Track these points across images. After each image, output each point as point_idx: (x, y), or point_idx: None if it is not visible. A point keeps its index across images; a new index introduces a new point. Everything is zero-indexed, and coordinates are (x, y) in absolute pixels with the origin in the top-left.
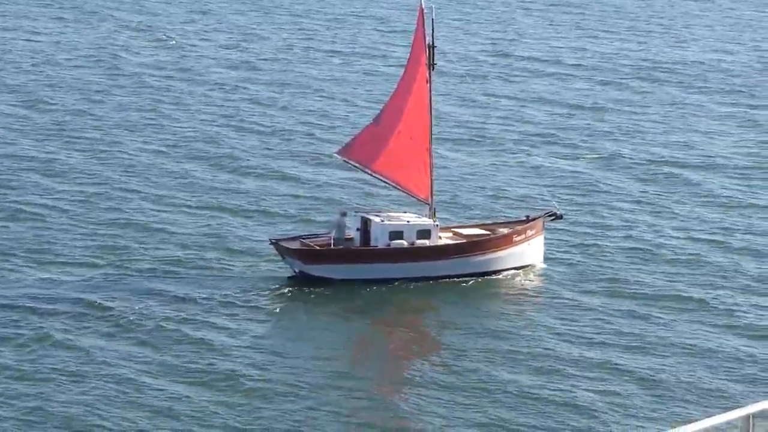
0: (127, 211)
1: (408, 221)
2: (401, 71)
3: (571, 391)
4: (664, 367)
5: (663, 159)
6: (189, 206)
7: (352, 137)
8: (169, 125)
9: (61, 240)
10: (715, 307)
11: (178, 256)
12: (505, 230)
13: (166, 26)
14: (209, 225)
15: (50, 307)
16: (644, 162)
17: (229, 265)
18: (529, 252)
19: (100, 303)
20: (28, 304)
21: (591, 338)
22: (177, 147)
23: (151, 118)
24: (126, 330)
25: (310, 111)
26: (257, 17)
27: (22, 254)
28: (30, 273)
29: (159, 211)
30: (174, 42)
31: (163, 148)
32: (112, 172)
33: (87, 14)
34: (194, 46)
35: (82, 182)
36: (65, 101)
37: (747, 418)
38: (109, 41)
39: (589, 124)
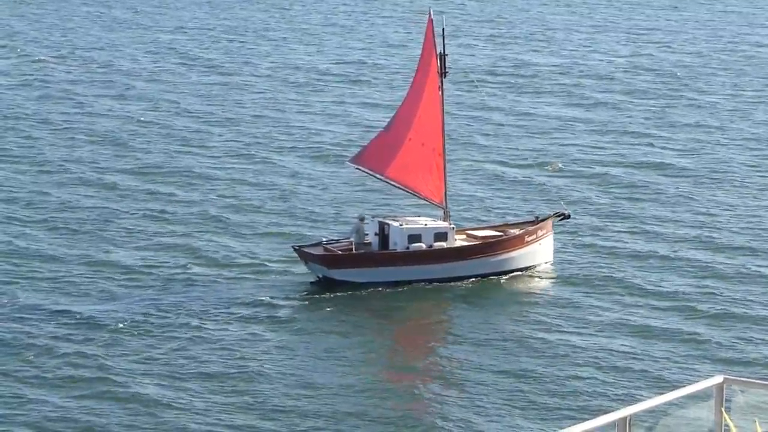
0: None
1: (425, 224)
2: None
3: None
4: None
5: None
6: (201, 216)
7: (364, 145)
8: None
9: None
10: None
11: (198, 268)
12: (516, 231)
13: (33, 47)
14: (227, 234)
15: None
16: (655, 165)
17: (250, 272)
18: (540, 251)
19: (117, 311)
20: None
21: (588, 333)
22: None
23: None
24: (148, 335)
25: (318, 117)
26: (127, 33)
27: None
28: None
29: (171, 221)
30: (46, 61)
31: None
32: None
33: None
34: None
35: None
36: None
37: (624, 419)
38: None
39: (591, 126)
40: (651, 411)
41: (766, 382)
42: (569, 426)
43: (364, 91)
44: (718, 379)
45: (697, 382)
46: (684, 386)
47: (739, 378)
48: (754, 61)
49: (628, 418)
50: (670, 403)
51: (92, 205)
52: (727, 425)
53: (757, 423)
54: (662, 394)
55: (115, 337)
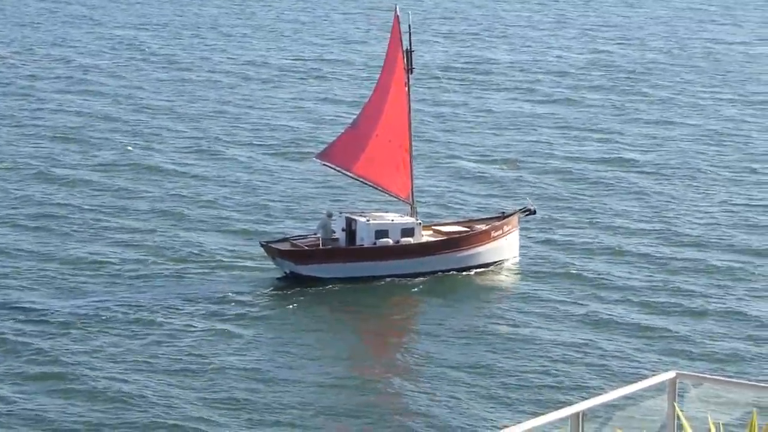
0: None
1: (392, 220)
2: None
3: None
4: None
5: (627, 160)
6: (168, 212)
7: (331, 141)
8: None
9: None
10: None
11: (166, 263)
12: (482, 226)
13: None
14: (193, 231)
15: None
16: (614, 162)
17: (217, 268)
18: (506, 247)
19: (80, 307)
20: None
21: (552, 327)
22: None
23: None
24: (110, 331)
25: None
26: (89, 33)
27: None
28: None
29: (138, 218)
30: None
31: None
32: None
33: None
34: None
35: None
36: None
37: (577, 415)
38: None
39: (555, 120)
40: (604, 406)
41: (718, 377)
42: (525, 420)
43: (326, 87)
44: (671, 374)
45: (651, 376)
46: (637, 381)
47: (691, 373)
48: (710, 57)
49: (580, 414)
50: (623, 398)
51: (53, 201)
52: (679, 420)
53: (709, 418)
54: (616, 388)
55: (76, 332)
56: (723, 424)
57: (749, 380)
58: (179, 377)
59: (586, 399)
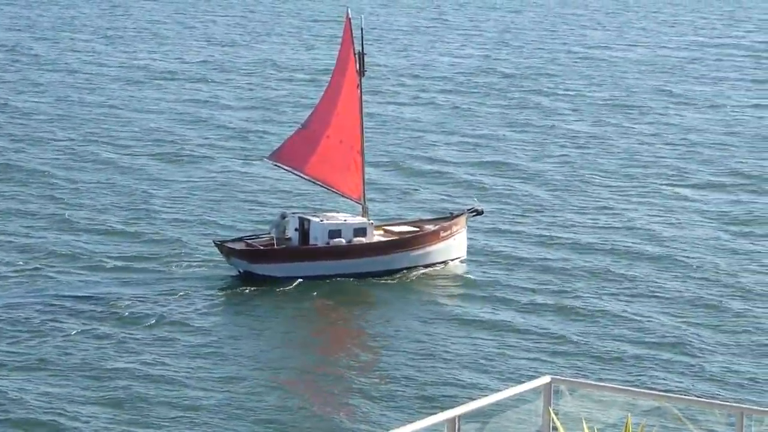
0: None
1: (345, 220)
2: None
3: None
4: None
5: (574, 162)
6: (123, 212)
7: (282, 142)
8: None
9: None
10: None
11: (119, 261)
12: (431, 227)
13: None
14: (148, 230)
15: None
16: (561, 163)
17: (171, 267)
18: (454, 246)
19: (42, 309)
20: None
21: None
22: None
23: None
24: (68, 332)
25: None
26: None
27: None
28: None
29: (93, 216)
30: None
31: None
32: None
33: None
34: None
35: None
36: None
37: (453, 420)
38: None
39: (504, 117)
40: (479, 411)
41: (592, 382)
42: (401, 426)
43: (274, 88)
44: (546, 378)
45: (526, 381)
46: (512, 386)
47: (566, 378)
48: (593, 63)
49: (456, 418)
50: (498, 404)
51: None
52: (554, 424)
53: (584, 422)
54: (491, 393)
55: (33, 329)
56: (597, 428)
57: (624, 385)
58: (127, 378)
59: (463, 403)
